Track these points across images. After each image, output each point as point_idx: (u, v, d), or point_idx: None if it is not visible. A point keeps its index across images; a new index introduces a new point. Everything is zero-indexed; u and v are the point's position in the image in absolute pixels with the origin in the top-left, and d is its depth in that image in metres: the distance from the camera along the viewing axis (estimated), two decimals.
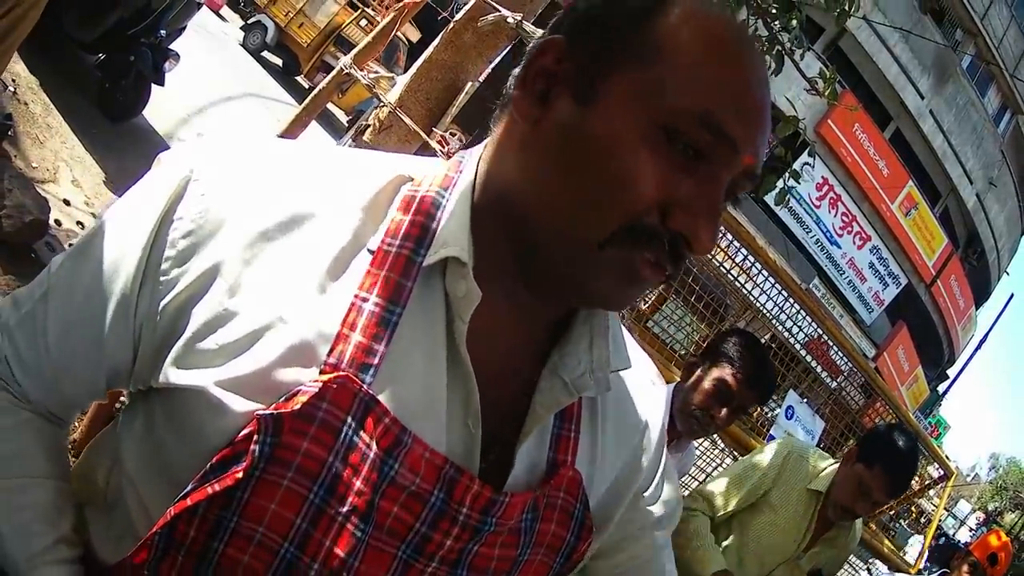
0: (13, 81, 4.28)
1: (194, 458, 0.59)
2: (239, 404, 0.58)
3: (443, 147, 2.55)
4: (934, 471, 5.39)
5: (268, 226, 0.61)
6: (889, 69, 16.84)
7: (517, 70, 0.63)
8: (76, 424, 2.30)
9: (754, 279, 3.89)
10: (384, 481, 0.59)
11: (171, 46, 5.31)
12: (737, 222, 3.62)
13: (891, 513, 6.19)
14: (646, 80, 0.58)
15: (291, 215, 0.61)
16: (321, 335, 0.60)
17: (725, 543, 2.36)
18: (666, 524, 0.85)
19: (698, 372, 2.09)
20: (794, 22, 2.98)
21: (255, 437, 0.57)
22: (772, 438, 4.05)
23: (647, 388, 0.80)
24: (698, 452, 3.71)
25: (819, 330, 4.27)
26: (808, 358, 4.66)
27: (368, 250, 0.63)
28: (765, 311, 4.03)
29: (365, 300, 0.61)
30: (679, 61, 0.58)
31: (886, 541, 5.04)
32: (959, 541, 18.53)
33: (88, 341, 0.65)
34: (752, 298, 3.97)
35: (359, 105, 10.56)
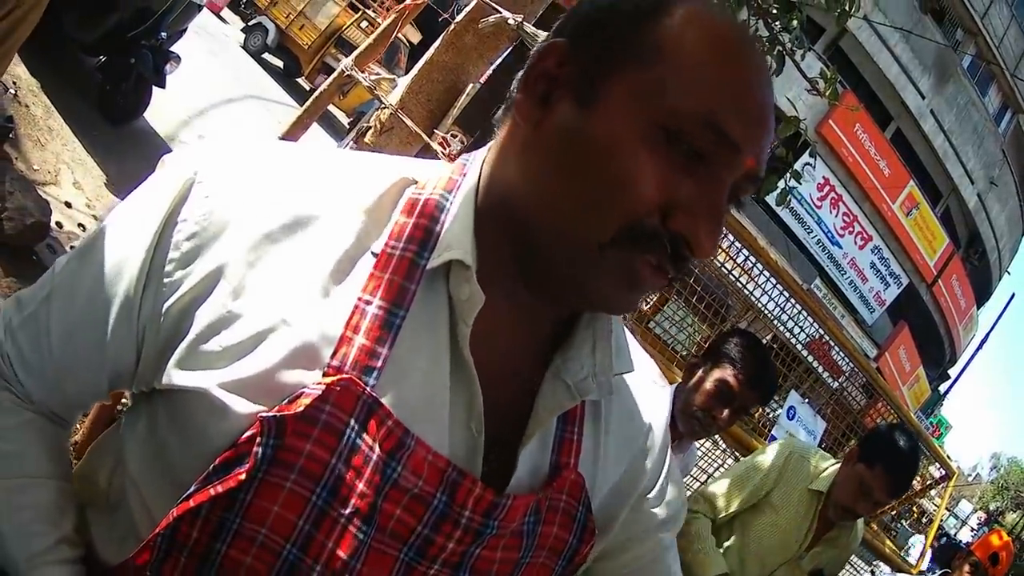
0: (14, 83, 4.29)
1: (197, 459, 0.59)
2: (242, 406, 0.58)
3: (444, 148, 2.55)
4: (935, 471, 5.39)
5: (272, 228, 0.61)
6: (890, 69, 16.84)
7: (520, 73, 0.63)
8: (77, 426, 2.30)
9: (755, 280, 3.89)
10: (387, 483, 0.59)
11: (172, 48, 5.32)
12: (739, 223, 3.62)
13: (893, 513, 6.19)
14: (646, 81, 0.58)
15: (295, 217, 0.61)
16: (324, 338, 0.60)
17: (727, 543, 2.36)
18: (671, 525, 0.85)
19: (699, 373, 2.09)
20: (795, 22, 2.98)
21: (258, 439, 0.57)
22: (774, 439, 4.05)
23: (650, 390, 0.80)
24: (700, 453, 3.71)
25: (820, 330, 4.27)
26: (810, 358, 4.66)
27: (372, 253, 0.63)
28: (767, 312, 4.04)
29: (369, 303, 0.61)
30: (680, 62, 0.58)
31: (887, 541, 5.04)
32: (961, 541, 18.50)
33: (91, 342, 0.65)
34: (754, 299, 3.97)
35: (360, 107, 10.56)
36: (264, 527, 0.58)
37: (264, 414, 0.57)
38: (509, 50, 2.82)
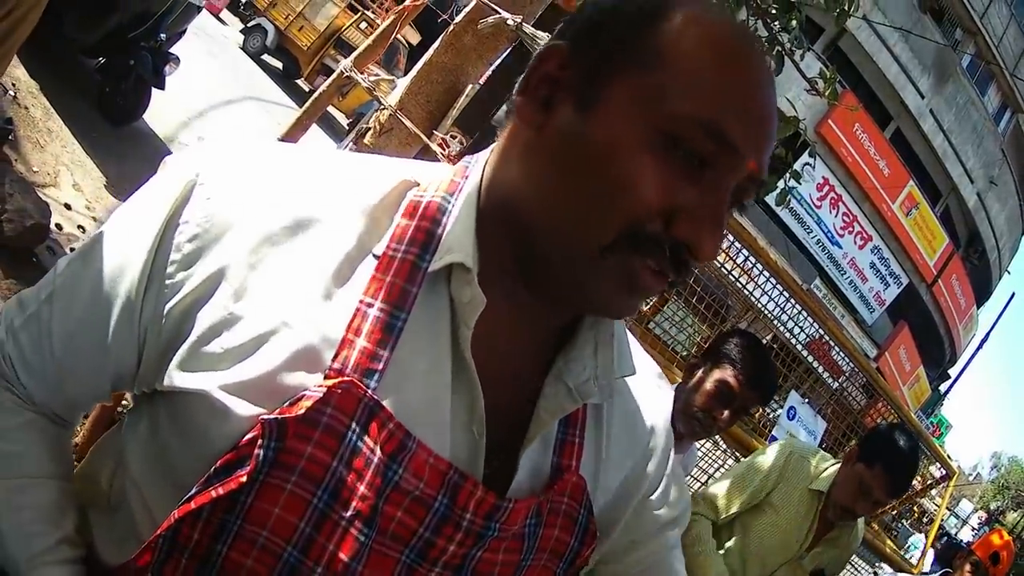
0: (13, 85, 4.29)
1: (198, 461, 0.59)
2: (243, 408, 0.58)
3: (444, 149, 2.55)
4: (936, 471, 5.39)
5: (273, 231, 0.61)
6: (889, 69, 16.85)
7: (521, 76, 0.63)
8: (78, 428, 2.30)
9: (755, 280, 3.89)
10: (388, 486, 0.59)
11: (171, 49, 5.33)
12: (739, 223, 3.62)
13: (893, 513, 6.19)
14: (647, 86, 0.58)
15: (296, 220, 0.61)
16: (326, 340, 0.60)
17: (728, 544, 2.36)
18: (675, 526, 0.85)
19: (699, 373, 2.09)
20: (794, 22, 2.98)
21: (259, 441, 0.57)
22: (774, 439, 4.05)
23: (652, 392, 0.79)
24: (700, 453, 3.71)
25: (820, 330, 4.27)
26: (810, 359, 4.66)
27: (373, 255, 0.63)
28: (766, 312, 4.04)
29: (370, 305, 0.61)
30: (680, 66, 0.58)
31: (888, 541, 5.04)
32: (961, 540, 18.51)
33: (93, 343, 0.65)
34: (753, 299, 3.97)
35: (359, 108, 10.56)
36: (265, 529, 0.58)
37: (265, 416, 0.57)
38: (508, 51, 2.82)
